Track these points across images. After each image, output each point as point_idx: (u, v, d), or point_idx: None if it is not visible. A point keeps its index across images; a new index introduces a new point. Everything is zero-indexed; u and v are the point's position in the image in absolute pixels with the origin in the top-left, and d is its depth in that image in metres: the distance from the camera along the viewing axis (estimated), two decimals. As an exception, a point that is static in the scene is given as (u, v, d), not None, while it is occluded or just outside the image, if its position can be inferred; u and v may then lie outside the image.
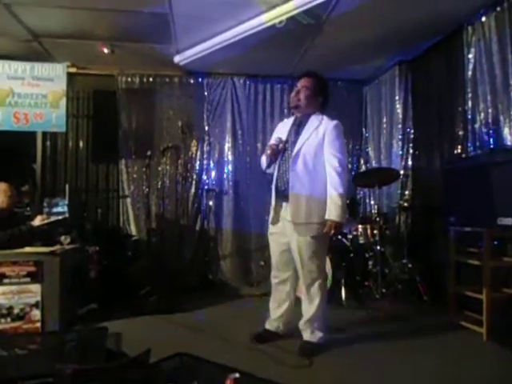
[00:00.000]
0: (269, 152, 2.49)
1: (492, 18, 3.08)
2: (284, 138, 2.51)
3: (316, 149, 2.38)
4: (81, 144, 4.56)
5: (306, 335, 2.53)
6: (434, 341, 2.72)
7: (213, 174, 4.74)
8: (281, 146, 2.47)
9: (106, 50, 3.86)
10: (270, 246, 2.66)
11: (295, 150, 2.41)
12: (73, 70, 4.31)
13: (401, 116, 4.27)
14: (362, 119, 5.05)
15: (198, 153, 4.71)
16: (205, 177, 4.72)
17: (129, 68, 4.48)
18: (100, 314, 3.10)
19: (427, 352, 2.53)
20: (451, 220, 3.05)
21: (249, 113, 4.72)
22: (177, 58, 3.95)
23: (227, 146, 4.73)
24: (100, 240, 3.71)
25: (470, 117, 3.32)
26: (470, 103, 3.32)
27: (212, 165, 4.73)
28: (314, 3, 2.84)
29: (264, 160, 2.61)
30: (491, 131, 3.10)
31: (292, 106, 2.54)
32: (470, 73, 3.32)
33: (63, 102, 3.88)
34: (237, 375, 1.64)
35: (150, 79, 4.64)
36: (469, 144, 3.32)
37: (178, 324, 3.06)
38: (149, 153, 4.24)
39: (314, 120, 2.45)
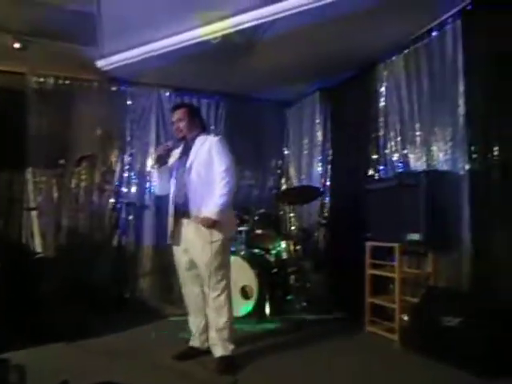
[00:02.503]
0: (158, 153, 2.72)
1: (401, 58, 3.53)
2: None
3: (206, 160, 2.58)
4: (-22, 147, 3.98)
5: (218, 350, 2.51)
6: (351, 347, 2.93)
7: (133, 187, 4.50)
8: (169, 146, 2.72)
9: (16, 45, 3.47)
10: (176, 264, 2.73)
11: (188, 165, 2.60)
12: (-27, 63, 3.79)
13: (320, 139, 4.57)
14: (283, 139, 5.27)
15: (119, 164, 4.45)
16: (125, 189, 4.46)
17: (42, 67, 4.08)
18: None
19: (345, 357, 2.71)
20: (367, 235, 3.32)
21: (174, 126, 4.60)
22: (100, 63, 3.70)
23: (150, 158, 4.55)
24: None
25: (381, 143, 3.71)
26: (382, 131, 3.71)
27: (133, 177, 4.50)
28: (249, 24, 2.93)
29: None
30: (400, 157, 3.50)
31: (179, 138, 2.76)
32: (382, 104, 3.73)
33: (-41, 97, 3.36)
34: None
35: (67, 82, 4.28)
36: (381, 167, 3.69)
37: (93, 351, 2.76)
38: (61, 161, 3.87)
39: (200, 139, 2.68)
